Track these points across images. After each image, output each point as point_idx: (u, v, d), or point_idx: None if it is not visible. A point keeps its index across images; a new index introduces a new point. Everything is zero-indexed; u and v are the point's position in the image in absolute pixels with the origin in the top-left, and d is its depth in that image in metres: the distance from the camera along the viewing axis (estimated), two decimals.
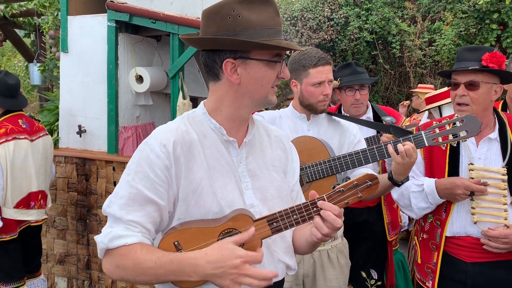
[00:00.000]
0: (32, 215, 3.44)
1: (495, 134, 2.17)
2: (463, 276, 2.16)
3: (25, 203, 3.39)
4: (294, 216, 1.36)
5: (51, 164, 3.70)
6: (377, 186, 1.40)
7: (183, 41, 1.49)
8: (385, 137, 2.73)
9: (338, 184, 1.42)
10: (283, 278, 1.53)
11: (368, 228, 3.10)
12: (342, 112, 3.23)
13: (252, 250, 1.30)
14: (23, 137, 3.36)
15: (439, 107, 3.90)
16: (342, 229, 2.50)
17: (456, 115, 2.01)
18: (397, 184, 2.07)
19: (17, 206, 3.34)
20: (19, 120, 3.42)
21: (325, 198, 1.37)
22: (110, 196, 1.39)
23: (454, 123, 1.96)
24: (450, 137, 1.96)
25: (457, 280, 2.17)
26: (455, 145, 2.17)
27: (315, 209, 1.37)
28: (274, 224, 1.35)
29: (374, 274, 2.63)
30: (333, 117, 2.49)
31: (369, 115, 3.17)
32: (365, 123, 2.71)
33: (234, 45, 1.33)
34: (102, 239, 1.34)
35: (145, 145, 1.38)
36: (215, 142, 1.42)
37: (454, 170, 2.17)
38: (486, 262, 2.14)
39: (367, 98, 3.14)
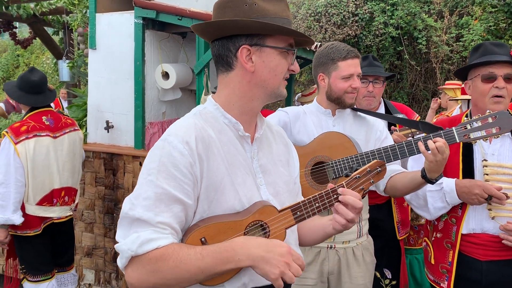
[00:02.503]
0: (54, 212, 3.42)
1: None
2: (479, 275, 2.14)
3: (49, 200, 3.38)
4: (317, 204, 1.41)
5: (80, 159, 3.70)
6: (385, 172, 1.50)
7: (195, 31, 1.44)
8: (396, 135, 2.67)
9: (350, 172, 1.48)
10: None
11: (378, 226, 2.99)
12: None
13: (279, 239, 1.35)
14: (45, 134, 3.34)
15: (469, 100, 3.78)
16: (367, 227, 2.48)
17: (488, 111, 1.97)
18: (431, 181, 2.00)
19: (41, 203, 3.33)
20: (43, 117, 3.39)
21: (345, 185, 1.44)
22: (130, 198, 1.30)
23: (486, 120, 1.93)
24: (483, 133, 1.92)
25: (473, 279, 2.16)
26: (485, 141, 2.14)
27: (335, 196, 1.43)
28: (298, 213, 1.40)
29: (388, 274, 2.58)
30: (359, 113, 2.47)
31: (381, 111, 3.11)
32: (392, 119, 2.67)
33: (255, 28, 1.34)
34: (129, 246, 1.24)
35: (164, 142, 1.31)
36: (231, 138, 1.40)
37: (468, 167, 2.16)
38: (501, 260, 2.12)
39: (380, 92, 3.07)
